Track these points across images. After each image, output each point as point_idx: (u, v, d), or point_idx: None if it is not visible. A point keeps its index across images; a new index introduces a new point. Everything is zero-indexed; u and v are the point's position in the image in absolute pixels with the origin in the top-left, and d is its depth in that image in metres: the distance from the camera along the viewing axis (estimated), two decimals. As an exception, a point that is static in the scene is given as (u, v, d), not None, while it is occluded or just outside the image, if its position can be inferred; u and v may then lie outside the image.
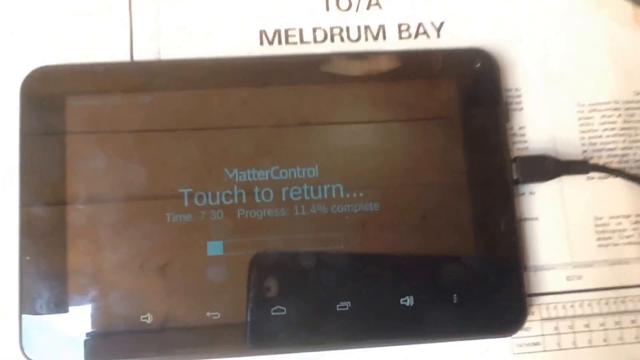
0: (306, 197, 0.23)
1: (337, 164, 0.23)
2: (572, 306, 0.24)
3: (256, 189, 0.23)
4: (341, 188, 0.23)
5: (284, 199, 0.23)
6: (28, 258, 0.22)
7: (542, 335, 0.23)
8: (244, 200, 0.23)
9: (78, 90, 0.23)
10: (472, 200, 0.23)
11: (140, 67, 0.24)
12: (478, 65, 0.24)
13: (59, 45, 0.24)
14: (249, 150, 0.23)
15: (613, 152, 0.25)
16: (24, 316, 0.22)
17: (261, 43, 0.25)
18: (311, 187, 0.23)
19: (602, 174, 0.24)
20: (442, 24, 0.25)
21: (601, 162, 0.24)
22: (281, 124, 0.23)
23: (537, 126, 0.25)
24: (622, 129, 0.25)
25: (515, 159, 0.24)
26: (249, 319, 0.22)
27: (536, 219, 0.24)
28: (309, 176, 0.23)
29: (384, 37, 0.25)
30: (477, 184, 0.23)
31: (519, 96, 0.25)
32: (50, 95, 0.23)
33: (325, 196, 0.23)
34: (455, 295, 0.23)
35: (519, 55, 0.25)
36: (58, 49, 0.24)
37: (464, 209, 0.23)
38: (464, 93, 0.24)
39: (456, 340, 0.23)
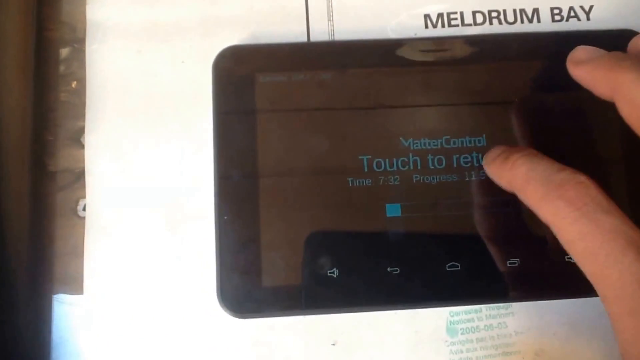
0: (475, 164, 0.25)
1: (502, 135, 0.26)
2: None
3: (429, 156, 0.25)
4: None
5: (455, 165, 0.25)
6: (225, 218, 0.25)
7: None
8: (419, 167, 0.25)
9: (266, 68, 0.26)
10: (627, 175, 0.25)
11: (318, 47, 0.27)
12: (629, 45, 0.26)
13: (242, 26, 0.27)
14: (423, 123, 0.25)
15: None
16: (222, 270, 0.24)
17: (426, 26, 0.27)
18: (480, 155, 0.25)
19: None
20: (591, 7, 0.27)
21: None
22: (451, 102, 0.26)
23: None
24: None
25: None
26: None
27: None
28: (477, 145, 0.25)
29: (538, 20, 0.27)
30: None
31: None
32: (240, 72, 0.26)
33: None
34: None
35: (663, 35, 0.27)
36: (241, 30, 0.27)
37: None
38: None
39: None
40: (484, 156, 0.25)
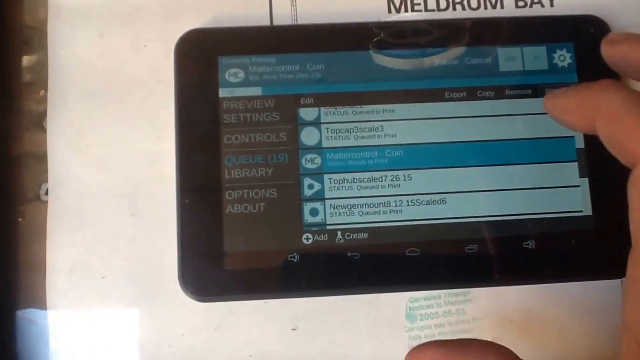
0: (436, 150, 0.25)
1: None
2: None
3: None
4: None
5: (415, 151, 0.25)
6: (187, 201, 0.25)
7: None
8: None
9: (228, 51, 0.26)
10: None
11: (281, 30, 0.26)
12: (592, 30, 0.26)
13: (205, 10, 0.27)
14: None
15: None
16: (184, 253, 0.24)
17: (389, 11, 0.27)
18: (441, 141, 0.25)
19: None
20: (556, -8, 0.27)
21: None
22: (412, 86, 0.26)
23: (645, 88, 0.27)
24: None
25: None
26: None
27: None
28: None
29: (502, 6, 0.27)
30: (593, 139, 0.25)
31: (628, 60, 0.27)
32: (202, 55, 0.26)
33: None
34: (573, 240, 0.25)
35: (628, 22, 0.27)
36: (204, 14, 0.27)
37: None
38: (580, 56, 0.26)
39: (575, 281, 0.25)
40: (547, 93, 0.23)
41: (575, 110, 0.21)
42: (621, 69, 0.23)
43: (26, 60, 0.27)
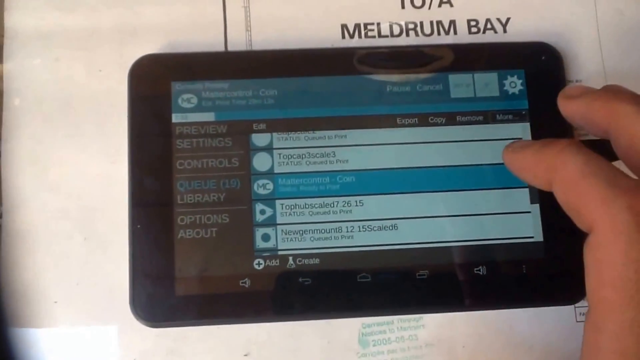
0: (387, 175, 0.26)
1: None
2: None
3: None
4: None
5: (367, 176, 0.25)
6: (139, 226, 0.25)
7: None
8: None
9: (182, 77, 0.26)
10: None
11: (235, 56, 0.27)
12: (543, 57, 0.26)
13: (160, 35, 0.27)
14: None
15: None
16: (135, 278, 0.24)
17: (343, 37, 0.27)
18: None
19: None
20: (508, 19, 0.27)
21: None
22: (369, 112, 0.26)
23: (596, 114, 0.27)
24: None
25: (578, 144, 0.26)
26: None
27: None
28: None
29: (455, 32, 0.27)
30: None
31: (579, 87, 0.27)
32: (156, 80, 0.26)
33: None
34: (524, 266, 0.25)
35: (579, 49, 0.27)
36: (159, 39, 0.27)
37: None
38: (531, 83, 0.26)
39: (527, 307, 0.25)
40: (507, 146, 0.23)
41: (533, 169, 0.21)
42: (577, 124, 0.23)
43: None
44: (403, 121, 0.26)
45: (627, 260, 0.18)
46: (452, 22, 0.27)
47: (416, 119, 0.26)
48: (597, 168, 0.19)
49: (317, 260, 0.25)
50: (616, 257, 0.18)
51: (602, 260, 0.18)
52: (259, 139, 0.25)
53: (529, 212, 0.25)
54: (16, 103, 0.26)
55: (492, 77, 0.26)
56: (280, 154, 0.25)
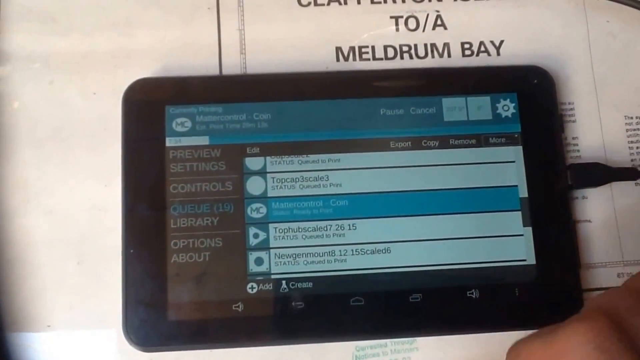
0: (381, 199, 0.26)
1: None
2: (622, 301, 0.26)
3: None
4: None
5: (360, 200, 0.26)
6: (132, 251, 0.25)
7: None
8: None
9: (175, 101, 0.26)
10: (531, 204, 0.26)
11: (229, 80, 0.27)
12: (535, 81, 0.26)
13: (154, 59, 0.27)
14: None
15: (659, 161, 0.27)
16: (128, 303, 0.24)
17: (337, 59, 0.27)
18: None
19: (650, 181, 0.27)
20: (501, 42, 0.28)
21: (649, 169, 0.27)
22: (362, 135, 0.26)
23: (588, 137, 0.27)
24: (666, 140, 0.27)
25: (570, 166, 0.26)
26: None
27: (589, 221, 0.26)
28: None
29: (449, 55, 0.27)
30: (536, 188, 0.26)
31: (572, 109, 0.27)
32: (150, 104, 0.26)
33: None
34: (516, 290, 0.25)
35: (571, 72, 0.27)
36: (154, 63, 0.27)
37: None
38: (523, 106, 0.26)
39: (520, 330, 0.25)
40: None
41: None
42: None
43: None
44: (396, 144, 0.26)
45: None
46: (446, 45, 0.28)
47: (409, 142, 0.26)
48: None
49: (310, 284, 0.25)
50: None
51: None
52: (253, 163, 0.25)
53: (521, 235, 0.25)
54: (9, 126, 0.26)
55: (484, 100, 0.26)
56: (273, 178, 0.25)
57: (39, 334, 0.25)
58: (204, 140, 0.25)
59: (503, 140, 0.26)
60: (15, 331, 0.25)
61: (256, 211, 0.25)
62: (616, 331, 0.17)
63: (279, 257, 0.25)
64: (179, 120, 0.26)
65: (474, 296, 0.25)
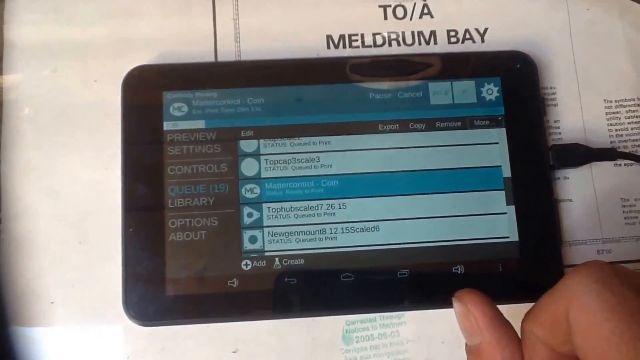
0: (370, 179, 0.27)
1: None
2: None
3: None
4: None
5: (350, 180, 0.27)
6: (131, 230, 0.26)
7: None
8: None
9: (173, 87, 0.27)
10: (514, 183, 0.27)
11: (224, 66, 0.28)
12: (518, 66, 0.28)
13: (153, 47, 0.28)
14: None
15: (637, 142, 0.28)
16: (128, 280, 0.25)
17: (328, 47, 0.28)
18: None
19: (628, 161, 0.28)
20: (486, 29, 0.29)
21: (627, 150, 0.28)
22: (351, 119, 0.27)
23: (570, 119, 0.28)
24: (645, 122, 0.28)
25: (552, 148, 0.27)
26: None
27: (570, 200, 0.27)
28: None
29: (435, 42, 0.29)
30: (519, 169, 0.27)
31: (553, 93, 0.28)
32: (148, 90, 0.27)
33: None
34: (500, 265, 0.26)
35: (553, 58, 0.29)
36: (152, 51, 0.28)
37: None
38: (507, 90, 0.27)
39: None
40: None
41: None
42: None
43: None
44: (385, 127, 0.27)
45: None
46: (433, 33, 0.29)
47: (397, 125, 0.27)
48: None
49: (302, 261, 0.26)
50: None
51: None
52: (247, 145, 0.26)
53: (504, 213, 0.26)
54: (13, 112, 0.27)
55: (469, 84, 0.27)
56: (267, 160, 0.26)
57: (42, 309, 0.26)
58: (200, 124, 0.27)
59: (487, 122, 0.27)
60: (19, 307, 0.26)
61: (250, 191, 0.26)
62: (613, 268, 0.18)
63: (272, 235, 0.26)
64: (176, 105, 0.27)
65: (459, 272, 0.26)
